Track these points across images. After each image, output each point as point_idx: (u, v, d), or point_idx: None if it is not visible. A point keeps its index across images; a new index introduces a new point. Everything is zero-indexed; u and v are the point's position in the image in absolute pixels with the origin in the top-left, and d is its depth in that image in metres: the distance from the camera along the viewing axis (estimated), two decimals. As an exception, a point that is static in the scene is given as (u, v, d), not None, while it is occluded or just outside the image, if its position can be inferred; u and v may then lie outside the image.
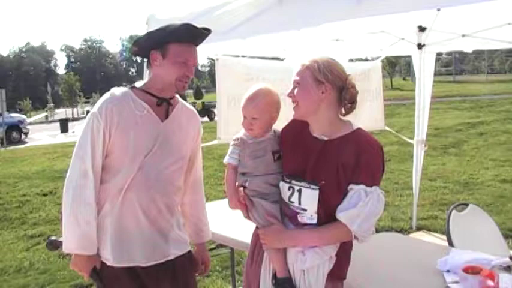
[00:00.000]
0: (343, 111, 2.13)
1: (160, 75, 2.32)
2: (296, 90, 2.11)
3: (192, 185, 2.61)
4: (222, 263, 5.10)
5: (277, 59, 5.66)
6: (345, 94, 2.08)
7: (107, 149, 2.26)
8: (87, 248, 2.25)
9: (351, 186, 2.02)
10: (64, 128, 27.35)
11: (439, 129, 14.73)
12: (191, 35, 2.31)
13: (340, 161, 2.03)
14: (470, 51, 5.71)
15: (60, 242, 2.33)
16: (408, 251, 2.83)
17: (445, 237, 4.62)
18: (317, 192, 2.03)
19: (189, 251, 2.52)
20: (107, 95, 2.30)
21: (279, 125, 2.29)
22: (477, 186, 8.18)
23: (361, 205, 1.98)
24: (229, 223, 3.27)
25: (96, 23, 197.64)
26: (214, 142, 4.55)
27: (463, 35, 4.80)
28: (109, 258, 2.29)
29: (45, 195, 9.34)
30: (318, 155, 2.09)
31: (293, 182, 2.10)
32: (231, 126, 4.65)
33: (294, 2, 2.73)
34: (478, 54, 58.32)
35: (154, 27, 3.52)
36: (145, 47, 2.34)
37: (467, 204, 3.47)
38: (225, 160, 2.25)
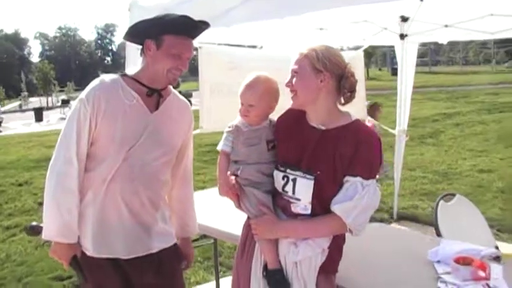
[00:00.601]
0: (342, 101, 2.10)
1: (152, 65, 2.25)
2: (294, 79, 2.06)
3: (180, 179, 2.55)
4: (203, 253, 5.05)
5: (254, 47, 5.60)
6: (344, 83, 2.04)
7: (92, 137, 2.19)
8: (67, 236, 2.20)
9: (347, 178, 1.98)
10: (39, 117, 26.97)
11: (416, 120, 14.86)
12: (189, 28, 2.23)
13: (338, 151, 1.99)
14: (445, 42, 5.77)
15: (41, 228, 2.27)
16: (397, 241, 2.82)
17: (427, 227, 4.66)
18: (312, 182, 1.99)
19: (175, 244, 2.47)
20: (96, 81, 2.23)
21: (275, 114, 2.24)
22: (456, 176, 8.29)
23: (357, 198, 1.94)
24: (212, 214, 3.25)
25: (71, 11, 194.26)
26: (197, 131, 4.46)
27: (446, 26, 4.82)
28: (89, 249, 2.24)
29: (20, 185, 9.16)
30: (316, 145, 2.04)
31: (288, 170, 2.06)
32: (213, 115, 4.59)
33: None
34: (453, 45, 59.08)
35: (136, 14, 3.45)
36: (140, 34, 2.26)
37: (454, 195, 3.48)
38: (219, 147, 2.19)
